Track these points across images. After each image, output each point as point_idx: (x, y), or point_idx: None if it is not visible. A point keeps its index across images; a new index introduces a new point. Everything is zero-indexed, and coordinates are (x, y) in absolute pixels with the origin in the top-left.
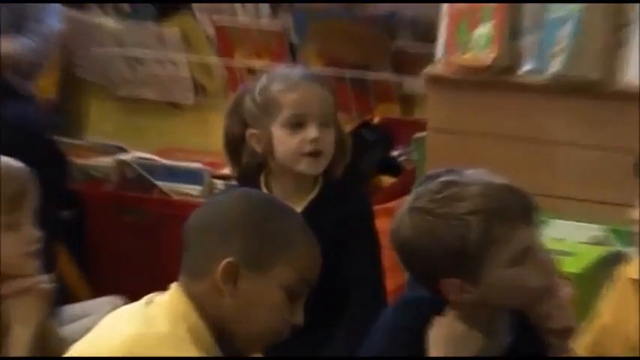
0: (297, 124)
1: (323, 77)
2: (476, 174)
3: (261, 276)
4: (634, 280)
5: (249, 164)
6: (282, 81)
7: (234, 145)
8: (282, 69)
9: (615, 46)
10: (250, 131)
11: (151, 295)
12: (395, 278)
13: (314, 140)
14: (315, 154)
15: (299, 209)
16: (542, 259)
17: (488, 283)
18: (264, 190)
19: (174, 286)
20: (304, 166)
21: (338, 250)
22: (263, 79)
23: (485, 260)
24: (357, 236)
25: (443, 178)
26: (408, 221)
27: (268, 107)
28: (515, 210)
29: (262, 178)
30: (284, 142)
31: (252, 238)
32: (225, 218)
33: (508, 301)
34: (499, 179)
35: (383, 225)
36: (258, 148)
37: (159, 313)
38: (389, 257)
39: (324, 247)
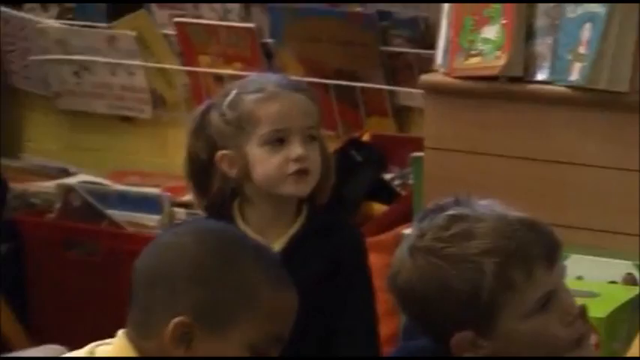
0: (278, 140)
1: (303, 84)
2: (488, 206)
3: (219, 336)
4: None
5: (221, 192)
6: (257, 91)
7: (201, 170)
8: (254, 77)
9: None
10: (221, 153)
11: (93, 344)
12: (388, 324)
13: (299, 159)
14: (301, 173)
15: (281, 242)
16: (567, 304)
17: (506, 335)
18: (239, 222)
19: (120, 336)
20: (290, 187)
21: (324, 292)
22: (232, 90)
23: (502, 309)
24: (348, 276)
25: (450, 212)
26: (410, 264)
27: (242, 123)
28: (535, 249)
29: (236, 207)
30: (263, 162)
31: (207, 291)
32: (173, 265)
33: (526, 356)
34: (515, 212)
35: (374, 261)
36: (231, 173)
37: None
38: (382, 301)
39: (309, 286)
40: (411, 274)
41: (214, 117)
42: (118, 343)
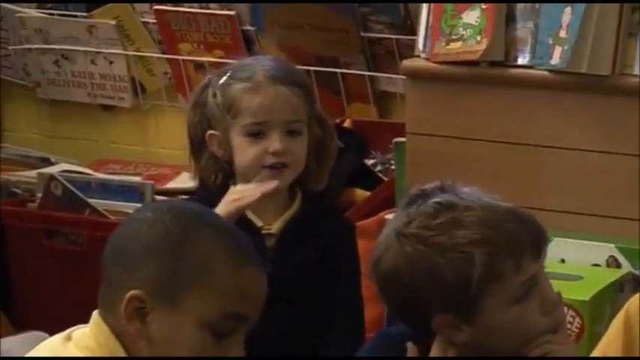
0: (257, 133)
1: (296, 75)
2: (474, 194)
3: (173, 309)
4: None
5: (208, 168)
6: (245, 79)
7: (198, 145)
8: (250, 60)
9: (625, 35)
10: (210, 132)
11: (70, 329)
12: (372, 309)
13: (276, 152)
14: (277, 167)
15: (277, 226)
16: (547, 292)
17: (487, 323)
18: None
19: (94, 316)
20: (261, 179)
21: (317, 274)
22: (227, 72)
23: (487, 298)
24: (340, 261)
25: (437, 199)
26: (396, 249)
27: (227, 110)
28: (524, 241)
29: (232, 188)
30: (242, 152)
31: (161, 264)
32: (131, 244)
33: (504, 344)
34: (502, 202)
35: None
36: (219, 153)
37: (78, 352)
38: (365, 287)
39: (304, 268)
40: (397, 259)
41: (209, 96)
42: (92, 323)
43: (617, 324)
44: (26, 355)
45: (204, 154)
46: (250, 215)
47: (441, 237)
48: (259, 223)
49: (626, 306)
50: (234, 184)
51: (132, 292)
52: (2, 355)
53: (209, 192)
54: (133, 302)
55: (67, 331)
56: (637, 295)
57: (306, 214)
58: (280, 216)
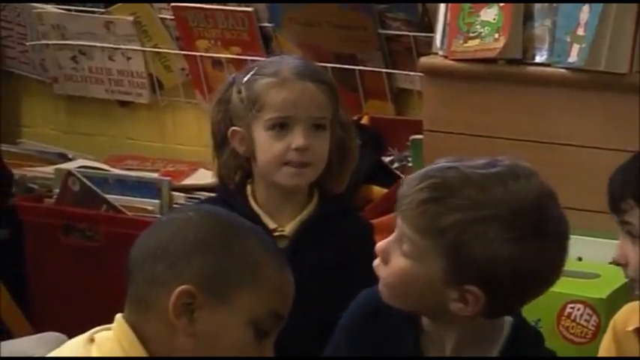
0: (281, 127)
1: (322, 72)
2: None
3: (222, 306)
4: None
5: (227, 165)
6: (271, 75)
7: (221, 142)
8: (276, 58)
9: None
10: (232, 129)
11: (93, 330)
12: None
13: (299, 149)
14: (300, 164)
15: (292, 226)
16: None
17: None
18: (252, 202)
19: (118, 320)
20: (283, 176)
21: (331, 278)
22: (252, 69)
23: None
24: (358, 263)
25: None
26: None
27: (252, 104)
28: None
29: (249, 188)
30: (265, 147)
31: (211, 260)
32: (176, 241)
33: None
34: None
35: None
36: (240, 149)
37: (102, 354)
38: None
39: (317, 271)
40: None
41: (233, 92)
42: (116, 328)
43: (607, 339)
44: (48, 356)
45: (226, 151)
46: (263, 216)
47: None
48: (272, 224)
49: (612, 321)
50: (252, 183)
51: (183, 286)
52: (21, 356)
53: (227, 190)
54: (182, 297)
55: (90, 332)
56: (622, 309)
57: (321, 215)
58: (295, 217)
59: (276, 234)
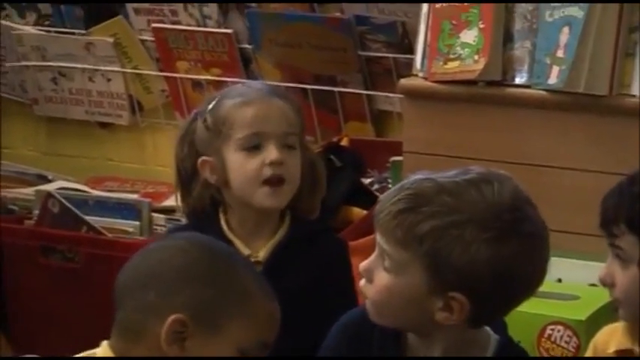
0: (253, 146)
1: (286, 93)
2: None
3: (213, 336)
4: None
5: (201, 197)
6: (236, 96)
7: (187, 178)
8: (239, 85)
9: (623, 55)
10: (202, 159)
11: (76, 357)
12: None
13: (274, 163)
14: (275, 183)
15: (264, 253)
16: None
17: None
18: (225, 229)
19: (103, 347)
20: (261, 197)
21: (309, 302)
22: (215, 97)
23: None
24: (333, 288)
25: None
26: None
27: (220, 127)
28: None
29: (222, 215)
30: (239, 168)
31: (203, 290)
32: (166, 268)
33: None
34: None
35: (354, 264)
36: (212, 179)
37: None
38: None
39: (293, 296)
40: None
41: (198, 123)
42: (101, 354)
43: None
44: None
45: (196, 184)
46: (237, 243)
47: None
48: (247, 250)
49: (592, 342)
50: (225, 212)
51: (175, 315)
52: None
53: (200, 219)
54: (174, 326)
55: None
56: (602, 330)
57: (293, 238)
58: (268, 243)
59: (252, 259)
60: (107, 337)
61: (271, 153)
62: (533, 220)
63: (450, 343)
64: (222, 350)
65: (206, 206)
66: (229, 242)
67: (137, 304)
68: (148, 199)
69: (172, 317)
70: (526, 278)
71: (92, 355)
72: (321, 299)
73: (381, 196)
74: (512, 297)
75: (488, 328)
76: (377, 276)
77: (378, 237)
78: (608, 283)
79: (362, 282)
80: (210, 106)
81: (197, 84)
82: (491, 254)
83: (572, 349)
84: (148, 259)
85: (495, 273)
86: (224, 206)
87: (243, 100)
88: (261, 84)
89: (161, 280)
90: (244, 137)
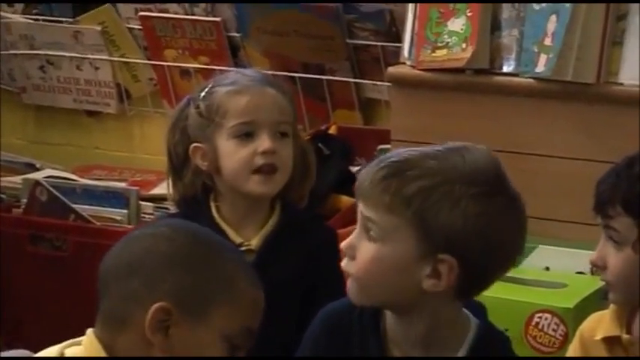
0: (246, 134)
1: (279, 81)
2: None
3: (198, 323)
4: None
5: (192, 184)
6: (229, 84)
7: (178, 165)
8: (232, 72)
9: (610, 43)
10: (194, 145)
11: (63, 345)
12: None
13: (266, 152)
14: (267, 171)
15: (256, 241)
16: None
17: None
18: (216, 217)
19: (88, 335)
20: (253, 185)
21: (298, 290)
22: (208, 84)
23: None
24: (322, 276)
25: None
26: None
27: (212, 115)
28: None
29: (212, 203)
30: (231, 155)
31: (187, 277)
32: (151, 256)
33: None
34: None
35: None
36: (203, 166)
37: None
38: None
39: (284, 284)
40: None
41: (190, 110)
42: (86, 343)
43: (573, 348)
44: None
45: (188, 171)
46: (229, 231)
47: None
48: (238, 239)
49: (579, 330)
50: (215, 199)
51: (159, 303)
52: None
53: (190, 207)
54: (158, 314)
55: (60, 346)
56: (589, 318)
57: (284, 226)
58: (260, 230)
59: (243, 248)
60: (94, 325)
61: (264, 142)
62: (512, 184)
63: (431, 323)
64: (207, 337)
65: (197, 193)
66: (220, 230)
67: (121, 293)
68: (136, 188)
69: (156, 306)
70: (511, 241)
71: (78, 342)
72: (311, 287)
73: (362, 171)
74: (498, 263)
75: (468, 312)
76: (361, 249)
77: (362, 207)
78: (600, 265)
79: (344, 262)
80: (203, 94)
81: (185, 72)
82: (480, 211)
83: (560, 337)
84: (131, 247)
85: (483, 233)
86: (215, 194)
87: (236, 88)
88: (254, 72)
89: (144, 267)
90: (237, 125)
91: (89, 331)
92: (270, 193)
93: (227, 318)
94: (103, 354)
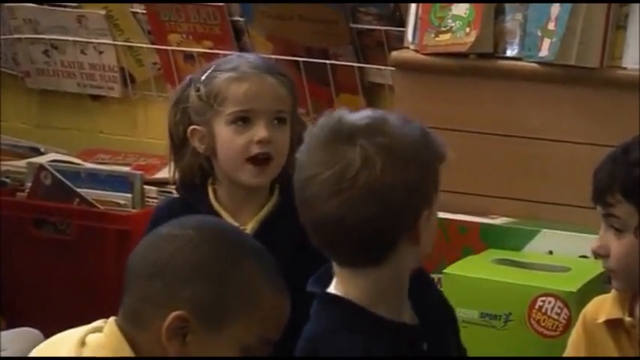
0: (243, 121)
1: (281, 68)
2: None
3: (215, 334)
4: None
5: (190, 165)
6: (230, 70)
7: (179, 145)
8: (234, 56)
9: (613, 28)
10: (192, 127)
11: (82, 330)
12: None
13: (262, 141)
14: (262, 161)
15: (252, 225)
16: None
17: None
18: (213, 201)
19: (110, 325)
20: (246, 175)
21: (295, 275)
22: (210, 67)
23: None
24: (318, 262)
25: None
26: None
27: (211, 100)
28: None
29: (210, 187)
30: (228, 142)
31: (210, 287)
32: (174, 262)
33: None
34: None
35: None
36: (201, 148)
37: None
38: None
39: (285, 267)
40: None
41: (191, 91)
42: (108, 332)
43: (577, 331)
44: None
45: (186, 151)
46: (226, 216)
47: None
48: (235, 224)
49: (582, 313)
50: (213, 183)
51: (177, 312)
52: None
53: (189, 191)
54: (175, 322)
55: (79, 334)
56: (592, 301)
57: (280, 210)
58: (256, 215)
59: None
60: (98, 309)
61: (260, 131)
62: None
63: None
64: (223, 347)
65: (195, 176)
66: (218, 215)
67: (143, 294)
68: (140, 172)
69: (174, 314)
70: None
71: (99, 328)
72: (307, 272)
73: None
74: None
75: None
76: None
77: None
78: (602, 253)
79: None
80: (204, 77)
81: (189, 56)
82: None
83: (563, 320)
84: (159, 248)
85: None
86: (213, 178)
87: (236, 75)
88: (256, 57)
89: (168, 273)
90: (234, 113)
91: (111, 319)
92: (262, 184)
93: (246, 329)
94: (125, 345)
